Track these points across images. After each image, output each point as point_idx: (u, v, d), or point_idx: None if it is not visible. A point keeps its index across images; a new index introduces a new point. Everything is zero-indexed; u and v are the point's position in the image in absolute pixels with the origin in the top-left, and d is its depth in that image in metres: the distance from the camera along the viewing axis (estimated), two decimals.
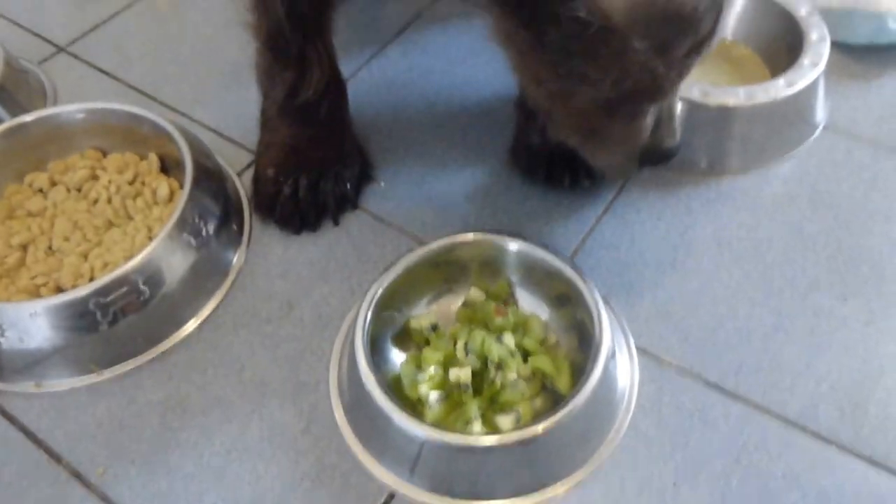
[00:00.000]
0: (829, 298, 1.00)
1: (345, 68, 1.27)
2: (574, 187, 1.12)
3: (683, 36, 0.76)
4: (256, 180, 1.15)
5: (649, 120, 0.91)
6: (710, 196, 1.11)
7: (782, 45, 1.22)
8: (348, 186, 1.13)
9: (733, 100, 1.10)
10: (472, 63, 1.33)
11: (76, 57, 1.40)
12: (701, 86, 1.10)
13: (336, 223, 1.12)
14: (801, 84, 1.12)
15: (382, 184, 1.15)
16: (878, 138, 1.18)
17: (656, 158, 0.96)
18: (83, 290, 0.94)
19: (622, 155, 0.95)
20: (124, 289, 0.95)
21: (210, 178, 1.07)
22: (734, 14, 1.24)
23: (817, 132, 1.19)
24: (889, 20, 1.24)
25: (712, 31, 0.78)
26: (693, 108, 1.10)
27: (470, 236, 0.98)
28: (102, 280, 0.94)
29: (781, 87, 1.12)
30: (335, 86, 1.12)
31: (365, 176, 1.16)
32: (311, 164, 1.11)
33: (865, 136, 1.18)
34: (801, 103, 1.14)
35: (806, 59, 1.15)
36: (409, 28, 1.41)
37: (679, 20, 0.74)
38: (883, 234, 1.06)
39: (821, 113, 1.20)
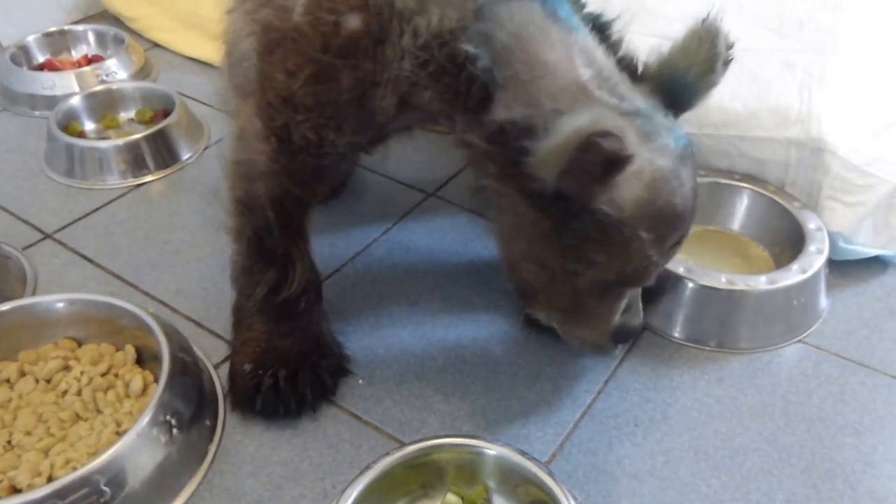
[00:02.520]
0: None
1: (330, 263, 1.32)
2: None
3: (674, 230, 0.91)
4: (233, 376, 1.14)
5: (623, 302, 1.02)
6: (687, 403, 1.12)
7: (779, 237, 1.31)
8: (326, 377, 1.13)
9: (756, 285, 1.17)
10: (455, 262, 1.36)
11: (62, 244, 1.41)
12: (725, 275, 1.18)
13: (314, 411, 1.11)
14: (813, 269, 1.20)
15: (361, 381, 1.15)
16: (845, 351, 1.20)
17: (625, 336, 1.06)
18: (39, 492, 0.89)
19: (596, 333, 1.04)
20: (84, 490, 0.91)
21: (186, 373, 1.06)
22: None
23: (823, 317, 1.25)
24: (839, 240, 1.29)
25: (689, 228, 0.94)
26: (715, 293, 1.18)
27: (447, 440, 0.98)
28: (61, 481, 0.90)
29: (796, 273, 1.19)
30: (314, 283, 1.15)
31: (341, 368, 1.16)
32: (289, 358, 1.12)
33: (833, 349, 1.20)
34: (812, 287, 1.21)
35: (812, 247, 1.23)
36: (394, 227, 1.44)
37: (672, 217, 0.89)
38: (853, 448, 1.07)
39: (825, 300, 1.26)
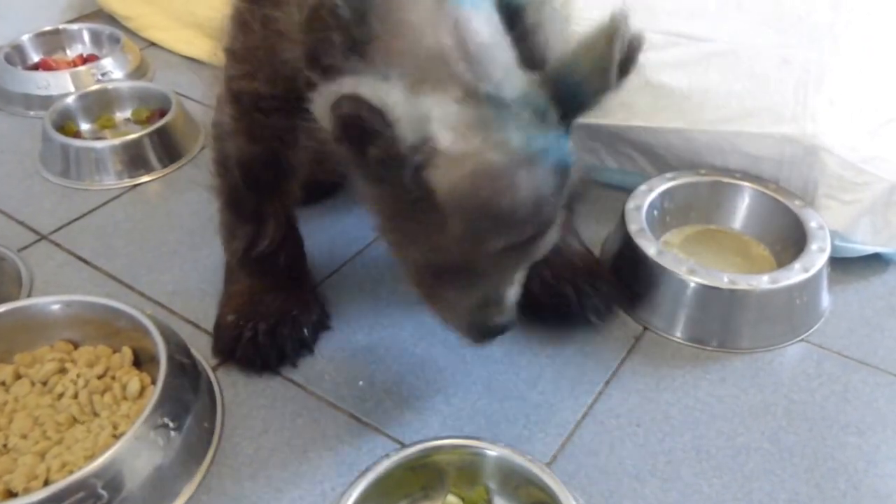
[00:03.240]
0: None
1: (329, 263, 1.32)
2: (583, 323, 1.20)
3: (497, 233, 0.82)
4: (217, 326, 1.20)
5: (474, 297, 0.94)
6: (689, 403, 1.11)
7: (781, 235, 1.31)
8: (305, 332, 1.18)
9: (759, 284, 1.16)
10: None
11: (57, 245, 1.40)
12: (727, 274, 1.17)
13: (294, 365, 1.16)
14: (815, 268, 1.19)
15: (361, 382, 1.14)
16: (847, 350, 1.19)
17: (485, 332, 0.98)
18: (35, 496, 0.88)
19: (454, 319, 0.98)
20: (81, 494, 0.90)
21: (184, 375, 1.05)
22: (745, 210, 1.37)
23: (825, 317, 1.25)
24: (836, 238, 1.28)
25: (532, 240, 0.85)
26: (717, 292, 1.17)
27: (448, 441, 0.97)
28: (58, 485, 0.89)
29: (798, 272, 1.18)
30: (292, 239, 1.19)
31: (322, 323, 1.22)
32: (270, 311, 1.17)
33: (835, 348, 1.20)
34: (815, 286, 1.21)
35: (814, 245, 1.22)
36: None
37: (494, 217, 0.81)
38: (856, 447, 1.06)
39: (826, 298, 1.26)
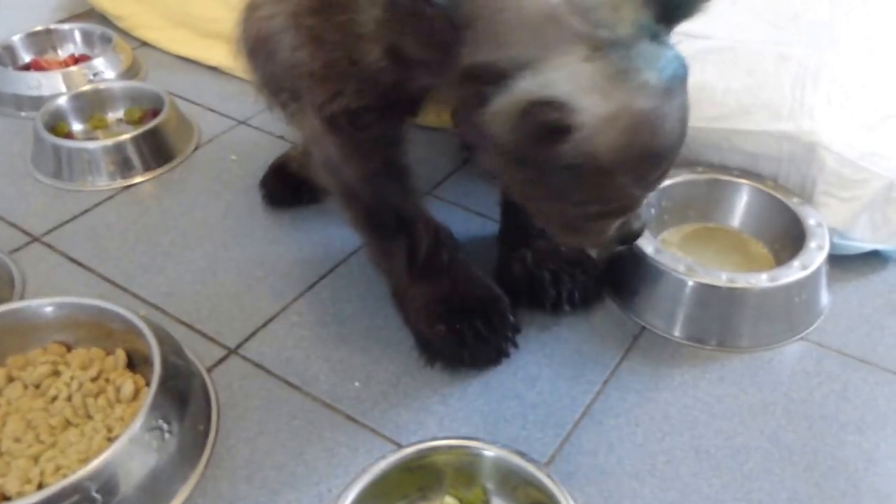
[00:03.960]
0: None
1: (324, 264, 1.34)
2: (556, 310, 1.22)
3: (656, 167, 0.88)
4: (429, 344, 1.17)
5: (620, 222, 0.99)
6: (687, 402, 1.10)
7: (779, 233, 1.30)
8: (509, 314, 1.17)
9: (758, 282, 1.15)
10: None
11: (50, 247, 1.39)
12: (725, 272, 1.17)
13: (516, 346, 1.17)
14: (814, 266, 1.18)
15: (357, 383, 1.13)
16: (847, 348, 1.19)
17: (627, 240, 1.03)
18: (29, 500, 0.88)
19: (596, 243, 1.10)
20: (75, 497, 0.89)
21: (178, 377, 1.04)
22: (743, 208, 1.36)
23: (824, 314, 1.24)
24: (834, 235, 1.27)
25: (675, 156, 0.89)
26: (716, 290, 1.16)
27: (445, 442, 0.96)
28: (52, 488, 0.89)
29: (797, 269, 1.17)
30: (444, 231, 1.19)
31: (508, 304, 1.19)
32: (468, 306, 1.16)
33: (834, 346, 1.19)
34: (814, 284, 1.20)
35: (812, 243, 1.21)
36: None
37: (652, 157, 0.86)
38: (856, 445, 1.05)
39: (826, 296, 1.25)
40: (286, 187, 1.45)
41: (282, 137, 1.64)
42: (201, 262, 1.35)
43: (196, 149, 1.64)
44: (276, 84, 1.11)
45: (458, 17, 0.80)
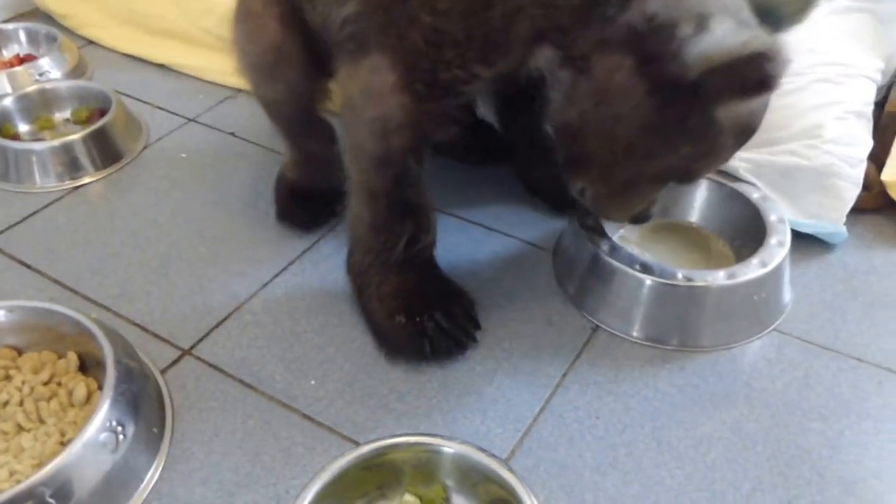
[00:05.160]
0: (774, 502, 0.97)
1: (276, 261, 1.31)
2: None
3: (748, 138, 0.98)
4: (386, 333, 1.16)
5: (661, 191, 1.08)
6: (648, 394, 1.10)
7: (740, 229, 1.28)
8: (473, 312, 1.19)
9: (715, 280, 1.14)
10: None
11: None
12: (682, 270, 1.15)
13: (476, 341, 1.17)
14: (775, 263, 1.16)
15: (313, 382, 1.12)
16: (809, 335, 1.18)
17: (643, 219, 1.12)
18: None
19: (624, 211, 1.09)
20: (29, 502, 0.88)
21: (131, 379, 1.02)
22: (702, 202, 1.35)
23: (788, 309, 1.22)
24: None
25: None
26: (672, 289, 1.14)
27: (403, 439, 0.95)
28: (5, 494, 0.87)
29: (756, 267, 1.15)
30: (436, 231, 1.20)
31: (472, 303, 1.21)
32: (433, 300, 1.16)
33: (795, 333, 1.19)
34: (774, 281, 1.18)
35: (773, 239, 1.19)
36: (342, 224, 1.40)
37: (752, 132, 0.97)
38: (819, 433, 1.05)
39: (789, 292, 1.23)
40: (305, 209, 1.41)
41: (232, 134, 1.62)
42: (153, 262, 1.32)
43: (145, 147, 1.61)
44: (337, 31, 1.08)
45: None
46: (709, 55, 0.85)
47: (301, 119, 1.26)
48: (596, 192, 1.07)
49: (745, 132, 0.96)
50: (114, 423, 0.96)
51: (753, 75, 0.83)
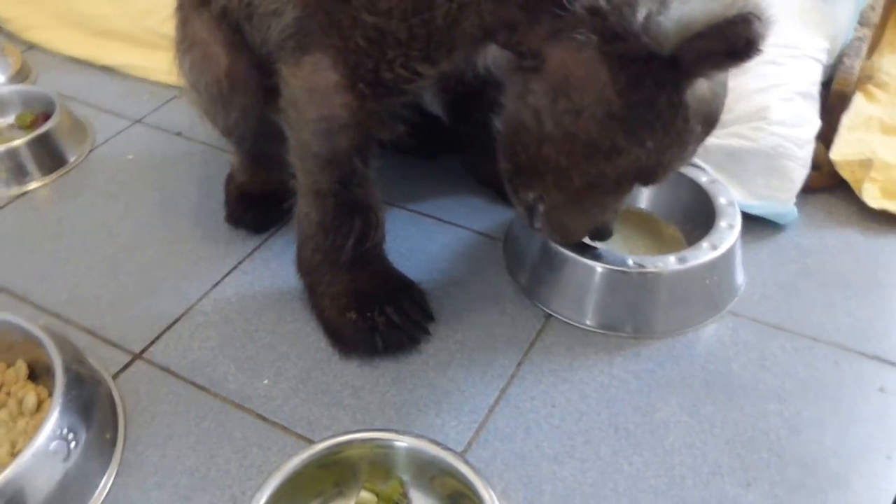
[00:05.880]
0: (733, 485, 0.97)
1: (226, 260, 1.30)
2: None
3: (712, 125, 0.98)
4: (339, 330, 1.15)
5: (622, 202, 1.06)
6: (604, 381, 1.09)
7: (690, 213, 1.27)
8: (425, 304, 1.19)
9: (666, 266, 1.13)
10: None
11: None
12: (633, 257, 1.14)
13: (429, 333, 1.16)
14: (725, 246, 1.16)
15: (266, 381, 1.10)
16: (764, 317, 1.18)
17: (601, 235, 1.09)
18: None
19: (581, 225, 1.07)
20: None
21: (82, 386, 1.00)
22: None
23: (741, 291, 1.22)
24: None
25: None
26: (624, 276, 1.14)
27: (357, 436, 0.94)
28: None
29: (706, 250, 1.15)
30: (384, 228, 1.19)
31: (424, 295, 1.20)
32: (385, 295, 1.15)
33: (750, 315, 1.19)
34: (726, 264, 1.18)
35: (723, 222, 1.19)
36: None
37: (715, 115, 0.97)
38: (777, 414, 1.05)
39: (741, 274, 1.23)
40: (256, 211, 1.38)
41: (179, 134, 1.60)
42: (102, 266, 1.31)
43: (91, 151, 1.59)
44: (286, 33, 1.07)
45: None
46: (688, 22, 0.82)
47: (255, 133, 1.24)
48: (551, 203, 1.03)
49: (710, 118, 0.96)
50: (65, 431, 0.95)
51: (741, 37, 0.81)
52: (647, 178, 0.99)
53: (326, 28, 0.98)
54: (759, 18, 0.80)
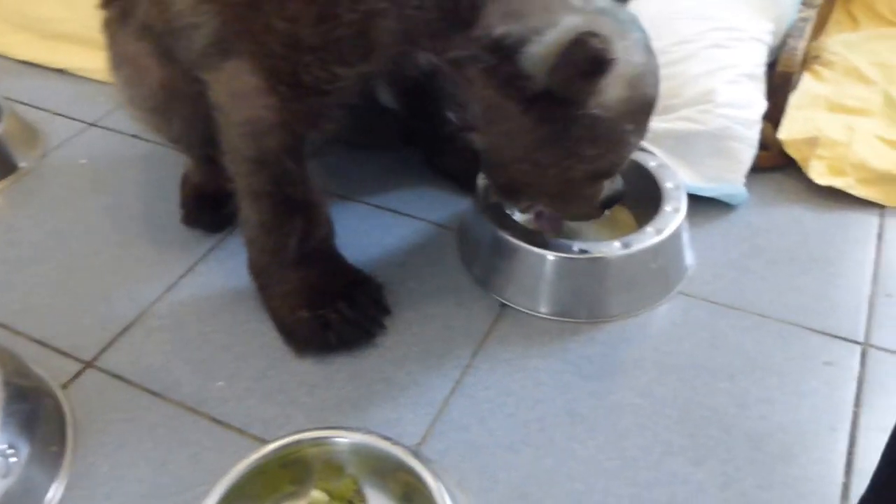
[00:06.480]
0: (684, 464, 0.98)
1: (180, 262, 1.29)
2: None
3: (648, 114, 1.01)
4: (293, 331, 1.15)
5: (609, 181, 1.10)
6: (558, 367, 1.10)
7: (640, 197, 1.26)
8: (379, 296, 1.19)
9: (611, 251, 1.14)
10: None
11: None
12: (579, 244, 1.15)
13: (384, 328, 1.16)
14: (670, 230, 1.16)
15: (220, 383, 1.10)
16: (714, 296, 1.19)
17: (612, 202, 1.12)
18: None
19: (586, 208, 1.12)
20: None
21: (24, 399, 0.99)
22: None
23: (690, 271, 1.23)
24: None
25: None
26: (572, 262, 1.15)
27: (306, 434, 0.94)
28: None
29: (651, 235, 1.16)
30: (331, 224, 1.19)
31: (378, 286, 1.20)
32: (337, 290, 1.15)
33: (701, 295, 1.19)
34: (671, 247, 1.18)
35: (668, 206, 1.20)
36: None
37: (648, 106, 1.00)
38: (726, 392, 1.06)
39: (690, 255, 1.24)
40: (212, 211, 1.37)
41: (136, 136, 1.59)
42: (54, 274, 1.29)
43: (44, 156, 1.57)
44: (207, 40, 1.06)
45: None
46: (543, 57, 0.90)
47: (203, 139, 1.23)
48: (543, 203, 1.13)
49: (641, 110, 0.99)
50: (3, 447, 0.94)
51: (585, 57, 0.88)
52: (605, 175, 1.05)
53: (242, 35, 0.99)
54: (592, 35, 0.87)
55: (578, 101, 0.93)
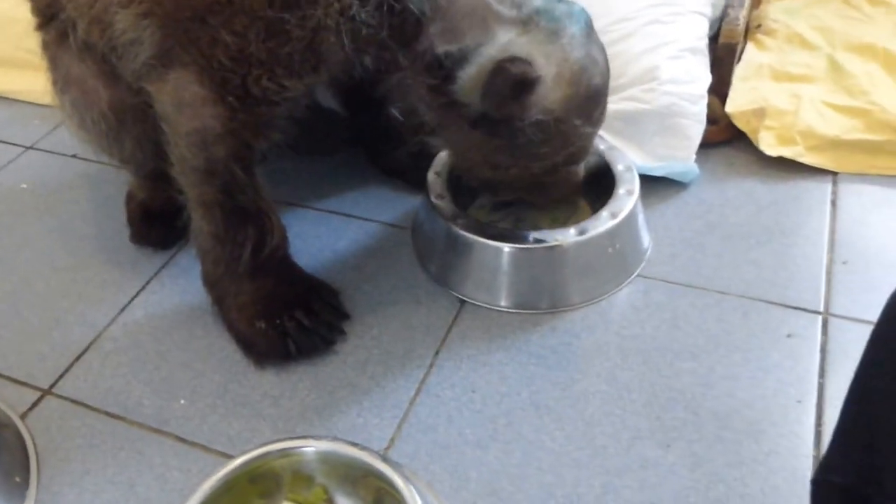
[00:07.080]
0: (653, 448, 0.97)
1: (141, 274, 1.27)
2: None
3: (599, 103, 1.04)
4: (250, 341, 1.14)
5: (581, 165, 1.15)
6: (522, 360, 1.09)
7: (594, 183, 1.24)
8: (336, 302, 1.18)
9: (566, 238, 1.13)
10: None
11: None
12: (534, 233, 1.15)
13: (344, 333, 1.15)
14: (624, 213, 1.16)
15: (183, 401, 1.08)
16: (672, 276, 1.19)
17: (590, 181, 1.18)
18: None
19: (566, 191, 1.17)
20: None
21: None
22: None
23: (649, 253, 1.23)
24: None
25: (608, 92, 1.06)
26: (529, 253, 1.14)
27: (272, 447, 0.92)
28: None
29: (606, 219, 1.15)
30: (284, 233, 1.17)
31: (334, 291, 1.20)
32: (294, 299, 1.14)
33: (659, 276, 1.19)
34: (628, 230, 1.18)
35: (621, 189, 1.19)
36: None
37: (596, 95, 1.03)
38: (691, 372, 1.06)
39: (646, 237, 1.24)
40: (160, 228, 1.34)
41: (75, 156, 1.56)
42: (1, 302, 1.27)
43: None
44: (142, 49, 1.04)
45: (423, 11, 0.96)
46: (472, 86, 0.95)
47: (154, 156, 1.21)
48: (522, 194, 1.17)
49: (588, 102, 1.01)
50: None
51: (507, 84, 0.93)
52: (572, 163, 1.10)
53: (186, 46, 0.98)
54: (511, 60, 0.92)
55: (516, 117, 0.97)
